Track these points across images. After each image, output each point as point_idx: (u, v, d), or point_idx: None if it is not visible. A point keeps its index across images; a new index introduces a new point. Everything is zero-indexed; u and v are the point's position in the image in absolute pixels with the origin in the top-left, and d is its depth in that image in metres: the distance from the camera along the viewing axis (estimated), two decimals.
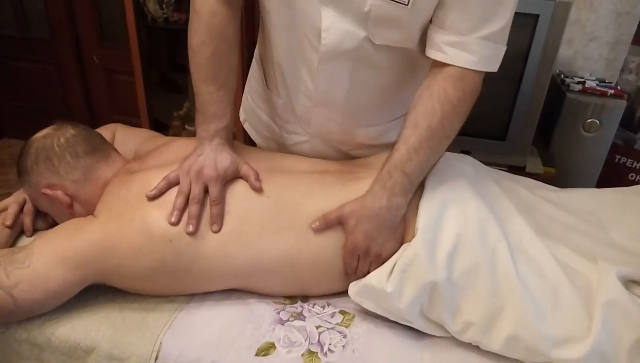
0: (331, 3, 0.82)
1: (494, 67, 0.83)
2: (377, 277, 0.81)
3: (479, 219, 0.82)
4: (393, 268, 0.80)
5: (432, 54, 0.84)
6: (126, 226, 0.80)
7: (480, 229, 0.81)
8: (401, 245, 0.85)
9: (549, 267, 0.80)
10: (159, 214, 0.81)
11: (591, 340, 0.72)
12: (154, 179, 0.85)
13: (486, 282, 0.78)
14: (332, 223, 0.85)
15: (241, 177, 0.88)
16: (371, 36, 0.84)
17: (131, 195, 0.84)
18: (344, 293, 0.87)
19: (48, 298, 0.79)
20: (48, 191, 0.89)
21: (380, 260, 0.84)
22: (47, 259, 0.78)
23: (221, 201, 0.84)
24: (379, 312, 0.83)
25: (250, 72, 1.18)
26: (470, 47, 0.80)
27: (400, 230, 0.85)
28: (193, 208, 0.82)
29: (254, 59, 1.15)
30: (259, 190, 0.86)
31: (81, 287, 0.82)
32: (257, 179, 0.87)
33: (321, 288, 0.89)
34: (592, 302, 0.75)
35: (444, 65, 0.82)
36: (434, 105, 0.82)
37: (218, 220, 0.83)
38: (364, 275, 0.84)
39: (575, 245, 0.87)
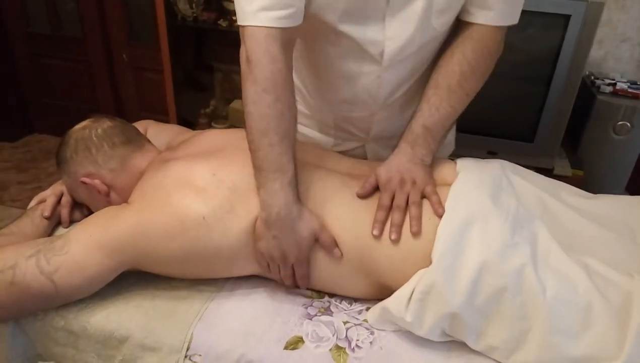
0: (394, 14, 0.86)
1: (512, 19, 0.89)
2: (395, 305, 0.79)
3: (503, 241, 0.78)
4: (411, 296, 0.78)
5: (461, 16, 0.90)
6: (160, 210, 0.83)
7: (504, 252, 0.77)
8: (433, 180, 0.89)
9: (580, 283, 0.76)
10: (193, 198, 0.83)
11: (622, 359, 0.70)
12: (188, 167, 0.87)
13: (511, 306, 0.75)
14: (373, 185, 0.89)
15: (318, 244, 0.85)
16: (436, 25, 0.89)
17: (166, 181, 0.86)
18: None
19: (86, 284, 0.82)
20: (87, 179, 0.93)
21: (417, 187, 0.86)
22: (84, 247, 0.81)
23: (308, 277, 0.87)
24: (401, 329, 0.83)
25: None
26: (488, 3, 0.86)
27: (429, 171, 0.90)
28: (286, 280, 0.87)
29: None
30: (338, 258, 0.85)
31: (118, 272, 0.84)
32: (334, 246, 0.85)
33: (333, 283, 0.89)
34: (627, 319, 0.73)
35: (463, 28, 0.89)
36: (453, 67, 0.88)
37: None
38: (399, 224, 0.83)
39: (608, 258, 0.83)
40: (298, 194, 0.83)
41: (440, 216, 0.82)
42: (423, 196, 0.86)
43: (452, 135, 1.17)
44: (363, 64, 0.92)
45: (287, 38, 0.83)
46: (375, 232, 0.83)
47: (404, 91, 0.98)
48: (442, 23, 0.89)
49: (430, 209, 0.85)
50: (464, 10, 0.89)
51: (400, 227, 0.83)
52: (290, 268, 0.84)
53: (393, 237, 0.82)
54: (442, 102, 0.88)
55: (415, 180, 0.87)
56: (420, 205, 0.85)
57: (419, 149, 0.88)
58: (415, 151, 0.88)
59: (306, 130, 1.15)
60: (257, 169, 0.82)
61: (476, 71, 0.89)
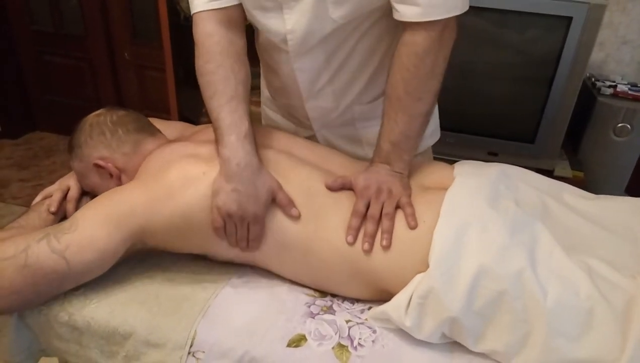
0: (292, 6, 0.88)
1: (446, 11, 0.81)
2: (394, 310, 0.80)
3: (500, 244, 0.78)
4: (410, 301, 0.79)
5: (393, 15, 0.86)
6: (163, 174, 0.86)
7: (502, 256, 0.77)
8: (409, 191, 0.90)
9: (582, 286, 0.76)
10: (197, 161, 0.87)
11: (623, 361, 0.70)
12: (194, 146, 0.92)
13: (512, 310, 0.75)
14: (345, 185, 0.90)
15: (275, 203, 0.87)
16: (335, 17, 0.88)
17: (171, 156, 0.90)
18: None
19: (97, 258, 0.82)
20: (101, 162, 0.95)
21: (393, 198, 0.87)
22: (91, 222, 0.83)
23: (261, 238, 0.87)
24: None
25: (261, 82, 1.23)
26: None
27: (407, 181, 0.91)
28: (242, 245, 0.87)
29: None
30: (296, 217, 0.86)
31: (126, 246, 0.85)
32: (292, 205, 0.86)
33: (330, 284, 0.90)
34: (629, 323, 0.73)
35: (402, 32, 0.85)
36: (396, 76, 0.86)
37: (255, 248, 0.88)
38: (372, 235, 0.84)
39: (610, 259, 0.83)
40: (257, 150, 0.87)
41: (412, 228, 0.83)
42: (398, 207, 0.87)
43: (434, 124, 1.18)
44: (278, 53, 0.97)
45: (225, 17, 0.91)
46: (349, 239, 0.85)
47: (328, 81, 0.99)
48: (341, 15, 0.87)
49: (424, 213, 0.85)
50: (394, 9, 0.85)
51: (373, 237, 0.85)
52: (246, 227, 0.85)
53: (365, 247, 0.84)
54: (397, 114, 0.88)
55: (392, 190, 0.87)
56: (393, 218, 0.86)
57: (394, 164, 0.90)
58: (392, 166, 0.90)
59: (274, 115, 1.20)
60: (215, 129, 0.88)
61: (418, 74, 0.85)
